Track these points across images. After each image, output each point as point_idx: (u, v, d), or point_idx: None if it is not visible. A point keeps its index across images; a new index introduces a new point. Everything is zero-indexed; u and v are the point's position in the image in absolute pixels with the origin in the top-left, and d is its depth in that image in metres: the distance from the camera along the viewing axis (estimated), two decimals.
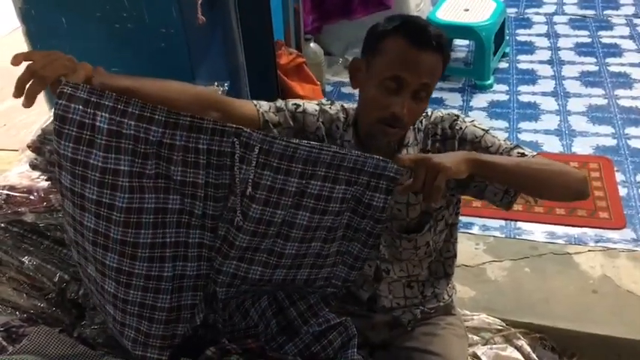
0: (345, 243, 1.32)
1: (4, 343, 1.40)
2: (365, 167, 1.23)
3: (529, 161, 1.39)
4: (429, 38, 1.33)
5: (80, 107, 1.07)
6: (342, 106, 1.55)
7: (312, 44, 3.60)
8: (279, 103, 1.52)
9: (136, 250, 1.17)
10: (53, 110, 1.10)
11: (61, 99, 1.09)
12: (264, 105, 1.49)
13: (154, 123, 1.10)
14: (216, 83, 1.80)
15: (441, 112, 1.53)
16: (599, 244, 2.55)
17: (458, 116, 1.50)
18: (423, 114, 1.50)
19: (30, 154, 1.68)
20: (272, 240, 1.22)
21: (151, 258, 1.19)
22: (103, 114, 1.07)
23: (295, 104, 1.52)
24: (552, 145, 3.32)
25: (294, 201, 1.18)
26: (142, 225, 1.15)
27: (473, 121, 1.50)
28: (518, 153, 1.42)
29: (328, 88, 3.91)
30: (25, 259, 1.77)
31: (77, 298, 1.77)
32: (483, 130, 1.47)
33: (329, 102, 1.57)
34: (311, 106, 1.53)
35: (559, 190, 1.39)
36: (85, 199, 1.13)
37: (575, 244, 2.57)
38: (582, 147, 3.28)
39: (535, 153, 1.44)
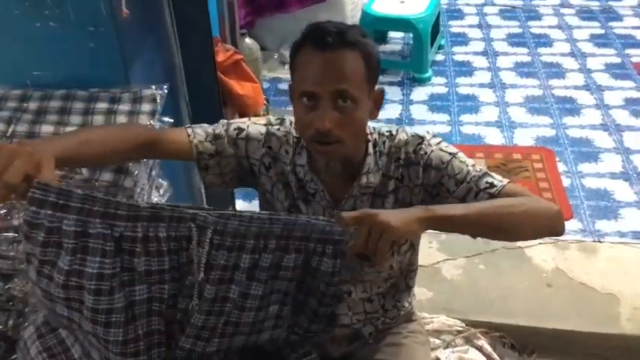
0: (301, 298, 1.23)
1: None
2: (312, 234, 1.12)
3: (494, 206, 1.24)
4: (328, 37, 1.21)
5: (49, 212, 1.02)
6: (292, 124, 1.42)
7: (247, 39, 3.46)
8: (219, 128, 1.41)
9: (107, 346, 1.10)
10: (22, 214, 1.07)
11: (32, 205, 1.01)
12: (200, 134, 1.38)
13: (118, 218, 1.04)
14: (153, 87, 1.65)
15: (405, 134, 1.39)
16: (549, 238, 2.56)
17: (423, 138, 1.37)
18: (386, 133, 1.38)
19: None
20: (228, 313, 1.15)
21: (124, 353, 1.10)
22: (71, 216, 1.02)
23: (238, 128, 1.41)
24: (494, 137, 3.32)
25: (248, 274, 1.11)
26: (111, 324, 1.08)
27: (439, 143, 1.37)
28: (487, 183, 1.29)
29: (265, 85, 3.78)
30: None
31: (6, 331, 1.60)
32: (450, 154, 1.34)
33: (278, 121, 1.44)
34: (255, 128, 1.41)
35: (528, 232, 1.28)
36: (53, 295, 1.09)
37: None
38: (523, 138, 3.31)
39: (505, 182, 1.30)
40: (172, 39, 2.07)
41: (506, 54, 4.23)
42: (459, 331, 2.09)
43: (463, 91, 3.81)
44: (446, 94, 3.78)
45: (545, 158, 3.08)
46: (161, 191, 1.77)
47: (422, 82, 3.89)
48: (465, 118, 3.53)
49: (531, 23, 4.63)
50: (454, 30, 4.59)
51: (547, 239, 2.53)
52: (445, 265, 2.41)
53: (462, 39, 4.46)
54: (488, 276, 2.35)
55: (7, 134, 1.55)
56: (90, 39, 1.59)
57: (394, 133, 1.40)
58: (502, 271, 2.37)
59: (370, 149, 1.36)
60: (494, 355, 2.04)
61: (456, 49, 4.33)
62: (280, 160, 1.41)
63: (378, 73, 1.32)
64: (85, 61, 1.62)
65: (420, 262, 2.35)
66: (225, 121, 1.45)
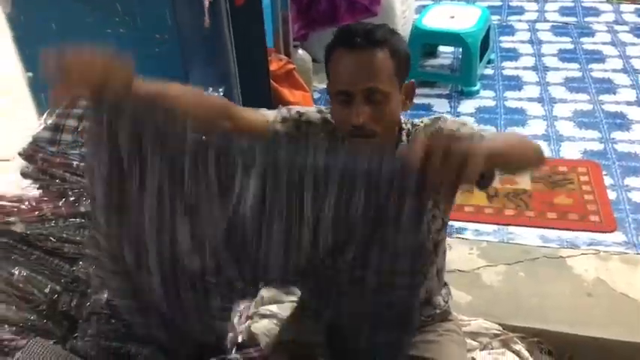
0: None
1: None
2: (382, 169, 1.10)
3: (516, 139, 1.37)
4: (357, 37, 1.30)
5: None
6: None
7: (300, 51, 3.59)
8: (284, 111, 1.49)
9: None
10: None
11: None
12: (270, 114, 1.47)
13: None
14: (210, 89, 1.78)
15: (427, 119, 1.46)
16: (591, 247, 2.56)
17: (439, 117, 1.44)
18: (420, 123, 1.46)
19: (21, 162, 1.64)
20: None
21: None
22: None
23: (298, 112, 1.49)
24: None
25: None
26: None
27: (454, 119, 1.46)
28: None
29: (316, 95, 3.90)
30: (15, 271, 1.71)
31: (69, 310, 1.72)
32: (461, 123, 1.42)
33: (328, 109, 1.53)
34: (313, 114, 1.50)
35: (532, 161, 1.32)
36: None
37: (568, 247, 2.58)
38: (570, 152, 3.31)
39: None
40: (229, 48, 2.21)
41: (556, 69, 4.22)
42: (496, 335, 2.12)
43: (511, 104, 3.83)
44: (494, 107, 3.81)
45: (591, 171, 3.08)
46: None
47: (470, 95, 3.93)
48: (512, 130, 3.55)
49: (584, 39, 4.60)
50: (505, 45, 4.61)
51: (589, 250, 2.54)
52: (485, 271, 2.43)
53: (512, 54, 4.47)
54: (528, 283, 2.37)
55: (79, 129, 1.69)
56: (155, 45, 1.74)
57: (420, 123, 1.46)
58: (542, 280, 2.39)
59: (404, 138, 1.44)
60: None
61: (505, 63, 4.34)
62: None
63: (408, 66, 1.41)
64: (150, 65, 1.76)
65: (460, 268, 2.43)
66: (284, 107, 1.52)
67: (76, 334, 1.72)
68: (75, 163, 1.57)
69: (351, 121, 1.32)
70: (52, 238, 1.68)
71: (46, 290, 1.71)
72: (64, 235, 1.66)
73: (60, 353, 1.38)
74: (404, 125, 1.46)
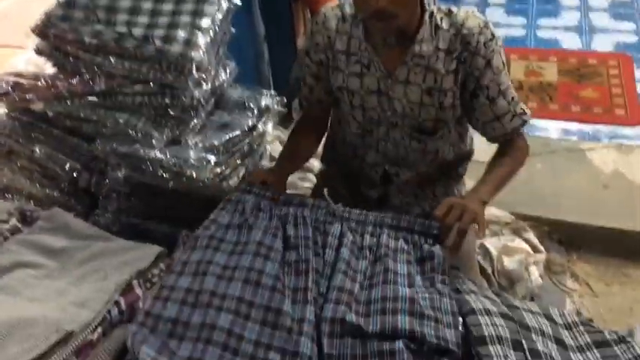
0: None
1: (19, 225, 1.41)
2: (415, 227, 1.34)
3: (505, 172, 1.52)
4: None
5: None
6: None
7: None
8: (306, 63, 1.55)
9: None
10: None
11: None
12: (306, 84, 1.58)
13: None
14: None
15: (475, 19, 1.39)
16: (613, 141, 2.52)
17: (494, 36, 1.39)
18: (445, 10, 1.41)
19: (35, 40, 1.64)
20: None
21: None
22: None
23: (306, 53, 1.54)
24: (571, 42, 3.21)
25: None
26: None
27: (502, 47, 1.42)
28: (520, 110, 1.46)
29: None
30: (36, 148, 1.76)
31: (90, 187, 1.78)
32: (503, 64, 1.41)
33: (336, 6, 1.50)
34: (311, 40, 1.51)
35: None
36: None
37: (589, 140, 2.54)
38: (602, 44, 3.18)
39: (525, 109, 1.47)
40: None
41: None
42: (507, 223, 2.15)
43: None
44: None
45: (622, 64, 2.97)
46: (228, 70, 1.87)
47: None
48: (543, 22, 3.41)
49: None
50: None
51: (611, 144, 2.50)
52: None
53: None
54: (545, 175, 2.36)
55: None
56: None
57: (454, 11, 1.41)
58: (559, 172, 2.38)
59: (426, 19, 1.39)
60: (540, 247, 2.10)
61: None
62: (334, 47, 1.47)
63: None
64: None
65: (477, 158, 2.41)
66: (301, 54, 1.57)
67: (97, 210, 1.79)
68: (87, 40, 1.56)
69: (371, 4, 1.29)
70: (70, 117, 1.71)
71: (67, 168, 1.76)
72: (82, 114, 1.68)
73: (80, 222, 1.44)
74: (427, 6, 1.41)
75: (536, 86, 2.87)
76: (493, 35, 1.40)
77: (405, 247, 1.30)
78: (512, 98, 1.44)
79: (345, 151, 1.64)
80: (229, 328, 1.11)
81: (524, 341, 1.07)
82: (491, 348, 1.04)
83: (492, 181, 1.46)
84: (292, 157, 1.63)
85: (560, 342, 1.11)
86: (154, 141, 1.62)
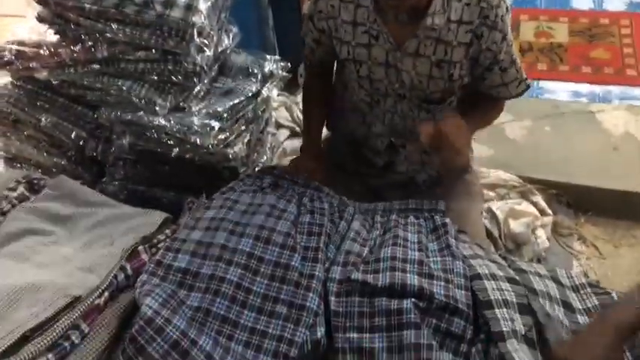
0: None
1: (27, 193, 1.42)
2: (424, 207, 1.39)
3: (485, 116, 1.54)
4: None
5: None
6: None
7: None
8: (306, 28, 1.53)
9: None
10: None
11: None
12: (309, 41, 1.54)
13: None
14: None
15: None
16: (623, 102, 2.49)
17: (508, 9, 1.36)
18: None
19: (36, 8, 1.63)
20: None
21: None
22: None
23: (309, 18, 1.51)
24: (583, 1, 3.14)
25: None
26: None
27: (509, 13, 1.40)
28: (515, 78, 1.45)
29: None
30: (42, 117, 1.77)
31: (96, 155, 1.79)
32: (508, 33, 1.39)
33: None
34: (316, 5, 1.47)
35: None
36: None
37: (599, 102, 2.51)
38: (614, 3, 3.11)
39: (524, 77, 1.47)
40: None
41: None
42: (515, 186, 2.13)
43: None
44: None
45: (634, 23, 2.91)
46: (231, 36, 1.85)
47: None
48: None
49: None
50: None
51: (622, 105, 2.47)
52: (510, 125, 2.40)
53: None
54: (553, 138, 2.34)
55: None
56: None
57: None
58: (568, 134, 2.35)
59: None
60: (548, 210, 2.09)
61: None
62: (338, 16, 1.44)
63: None
64: None
65: None
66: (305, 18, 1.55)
67: (104, 179, 1.81)
68: (87, 6, 1.55)
69: None
70: (74, 85, 1.71)
71: (73, 136, 1.77)
72: (85, 83, 1.68)
73: (86, 189, 1.44)
74: None
75: (546, 47, 2.82)
76: (507, 8, 1.36)
77: (416, 222, 1.31)
78: (520, 66, 1.44)
79: (351, 119, 1.62)
80: (238, 282, 1.13)
81: (531, 305, 1.07)
82: (497, 312, 1.04)
83: (474, 123, 1.47)
84: (318, 136, 1.67)
85: (567, 305, 1.11)
86: (157, 108, 1.62)
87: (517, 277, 1.14)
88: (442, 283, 1.11)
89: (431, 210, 1.34)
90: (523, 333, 1.03)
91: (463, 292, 1.11)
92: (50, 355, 0.97)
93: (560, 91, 2.60)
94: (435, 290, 1.09)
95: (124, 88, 1.64)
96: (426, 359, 1.00)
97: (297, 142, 2.25)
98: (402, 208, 1.36)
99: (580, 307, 1.12)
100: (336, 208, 1.36)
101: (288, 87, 2.18)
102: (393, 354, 1.02)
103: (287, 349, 1.05)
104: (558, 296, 1.12)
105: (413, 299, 1.07)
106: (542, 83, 2.64)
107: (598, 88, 2.59)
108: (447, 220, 1.30)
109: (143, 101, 1.64)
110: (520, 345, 0.99)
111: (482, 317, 1.06)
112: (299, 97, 1.96)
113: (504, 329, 1.01)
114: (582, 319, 1.09)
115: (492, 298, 1.07)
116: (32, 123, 1.82)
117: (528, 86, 1.48)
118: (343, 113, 1.66)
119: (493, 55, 1.38)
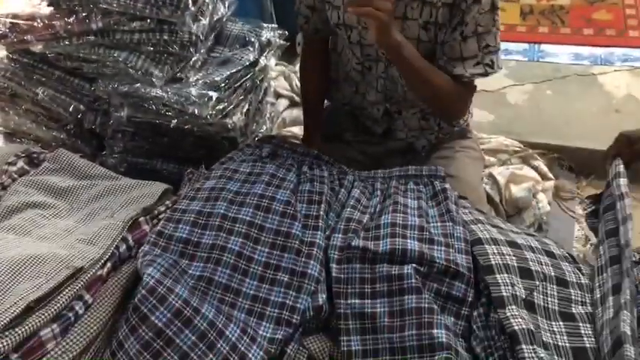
0: None
1: (27, 167, 1.42)
2: (422, 172, 1.36)
3: (434, 77, 1.40)
4: None
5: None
6: None
7: None
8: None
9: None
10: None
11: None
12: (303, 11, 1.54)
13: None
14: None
15: None
16: (626, 64, 2.46)
17: None
18: None
19: None
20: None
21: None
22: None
23: None
24: None
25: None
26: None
27: None
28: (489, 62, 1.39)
29: None
30: (39, 90, 1.76)
31: (95, 128, 1.79)
32: (494, 7, 1.34)
33: None
34: None
35: (438, 110, 1.52)
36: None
37: (601, 64, 2.48)
38: None
39: (495, 65, 1.41)
40: None
41: None
42: (516, 151, 2.12)
43: None
44: None
45: None
46: (226, 3, 1.82)
47: None
48: None
49: None
50: None
51: (624, 67, 2.44)
52: (511, 90, 2.38)
53: None
54: (555, 101, 2.32)
55: None
56: None
57: None
58: (570, 98, 2.33)
59: None
60: (550, 175, 2.08)
61: None
62: None
63: None
64: None
65: (485, 88, 2.38)
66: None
67: (104, 152, 1.80)
68: None
69: None
70: (70, 58, 1.70)
71: (71, 109, 1.76)
72: (81, 55, 1.67)
73: (85, 162, 1.44)
74: None
75: (547, 10, 2.78)
76: None
77: (415, 188, 1.32)
78: (487, 46, 1.37)
79: (346, 89, 1.63)
80: (239, 251, 1.14)
81: (531, 267, 1.08)
82: (498, 276, 1.04)
83: (418, 59, 1.37)
84: (317, 126, 1.69)
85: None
86: (154, 79, 1.61)
87: (517, 241, 1.15)
88: (442, 248, 1.12)
89: (430, 176, 1.34)
90: (524, 297, 1.03)
91: (464, 256, 1.12)
92: (55, 326, 0.98)
93: (561, 54, 2.57)
94: (435, 255, 1.10)
95: (120, 59, 1.62)
96: (427, 323, 1.00)
97: (296, 112, 2.24)
98: (401, 175, 1.36)
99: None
100: (336, 176, 1.36)
101: (287, 56, 2.16)
102: (394, 319, 1.03)
103: (289, 316, 1.06)
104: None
105: (413, 265, 1.08)
106: (544, 46, 2.61)
107: (600, 51, 2.56)
108: (447, 186, 1.30)
109: (140, 72, 1.62)
110: (519, 310, 1.00)
111: (483, 282, 1.06)
112: (297, 67, 1.94)
113: (504, 294, 1.02)
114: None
115: (493, 262, 1.07)
116: (30, 97, 1.81)
117: (486, 73, 1.41)
118: (338, 84, 1.66)
119: (461, 14, 1.34)
